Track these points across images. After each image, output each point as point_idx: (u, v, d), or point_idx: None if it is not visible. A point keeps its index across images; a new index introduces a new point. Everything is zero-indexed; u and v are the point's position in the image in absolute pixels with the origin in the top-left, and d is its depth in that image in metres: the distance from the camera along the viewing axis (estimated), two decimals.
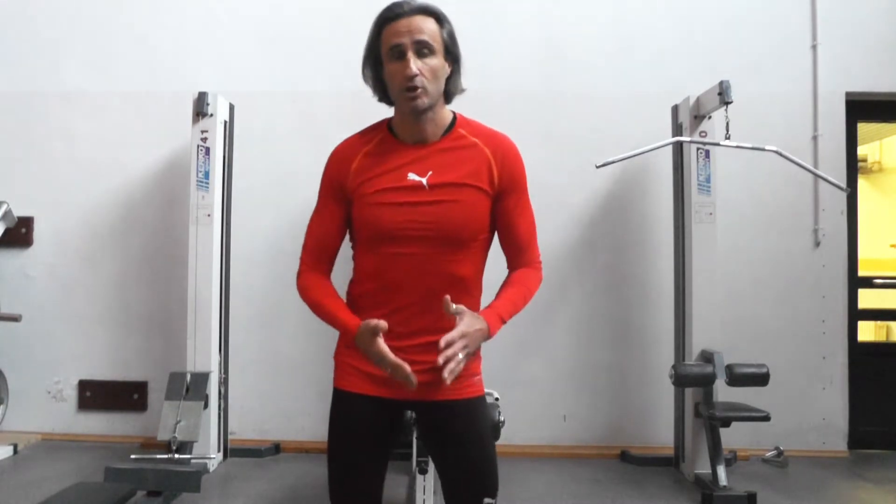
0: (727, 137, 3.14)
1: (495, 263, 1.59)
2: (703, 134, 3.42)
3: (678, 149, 3.56)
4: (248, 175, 3.84)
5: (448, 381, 1.29)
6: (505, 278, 1.57)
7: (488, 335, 1.41)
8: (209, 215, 3.46)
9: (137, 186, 3.98)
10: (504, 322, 1.46)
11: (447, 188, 1.43)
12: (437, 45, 1.42)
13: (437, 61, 1.42)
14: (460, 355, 1.32)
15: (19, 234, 3.94)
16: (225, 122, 3.61)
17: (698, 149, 3.40)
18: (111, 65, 4.02)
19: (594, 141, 3.81)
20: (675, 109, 3.64)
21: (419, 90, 1.39)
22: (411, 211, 1.42)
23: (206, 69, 3.96)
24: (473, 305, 1.48)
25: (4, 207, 3.80)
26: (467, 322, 1.35)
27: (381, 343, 1.34)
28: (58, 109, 4.01)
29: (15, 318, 3.69)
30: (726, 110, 3.15)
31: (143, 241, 3.97)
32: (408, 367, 1.33)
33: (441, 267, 1.44)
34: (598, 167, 3.22)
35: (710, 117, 3.42)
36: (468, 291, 1.49)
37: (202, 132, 3.47)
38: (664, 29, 3.96)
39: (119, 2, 4.04)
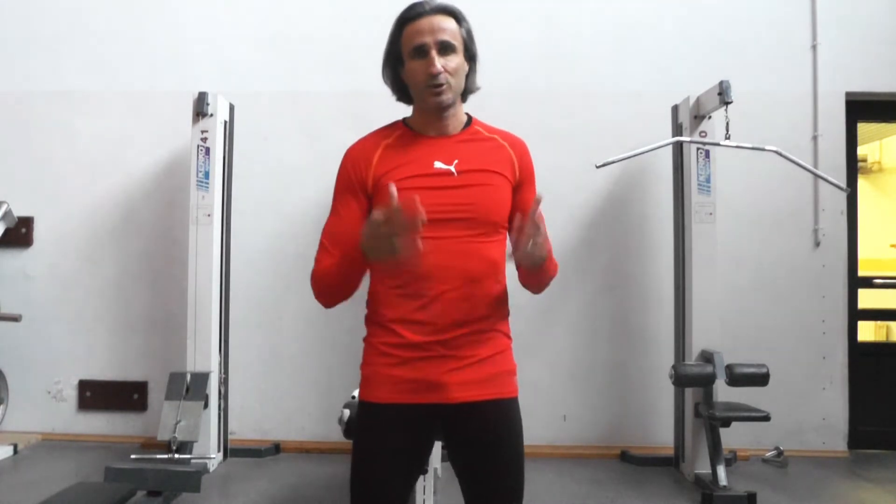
0: (727, 137, 3.15)
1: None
2: (703, 134, 3.42)
3: (678, 149, 3.56)
4: (248, 175, 3.84)
5: (529, 246, 1.28)
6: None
7: (547, 255, 1.38)
8: (209, 215, 3.46)
9: (137, 186, 3.98)
10: (551, 260, 1.44)
11: (476, 173, 1.45)
12: (458, 44, 1.45)
13: (459, 59, 1.45)
14: (539, 239, 1.29)
15: (19, 234, 3.94)
16: (225, 122, 3.61)
17: (698, 149, 3.40)
18: (111, 65, 4.02)
19: (594, 141, 3.81)
20: (675, 109, 3.64)
21: (444, 86, 1.42)
22: (444, 194, 1.42)
23: (206, 69, 3.96)
24: (503, 293, 1.50)
25: (4, 207, 3.80)
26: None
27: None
28: (58, 109, 4.01)
29: (15, 318, 3.69)
30: (726, 110, 3.16)
31: (143, 241, 3.97)
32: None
33: (478, 249, 1.42)
34: (597, 167, 3.22)
35: (710, 117, 3.43)
36: (499, 279, 1.48)
37: (202, 132, 3.47)
38: (664, 28, 3.96)
39: (119, 2, 4.04)
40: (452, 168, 1.44)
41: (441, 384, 1.40)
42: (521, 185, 1.52)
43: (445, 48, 1.42)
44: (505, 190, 1.48)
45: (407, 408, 1.41)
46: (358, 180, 1.47)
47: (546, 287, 1.55)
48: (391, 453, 1.42)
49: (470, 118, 1.55)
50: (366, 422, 1.46)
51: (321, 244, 1.48)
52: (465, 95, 1.53)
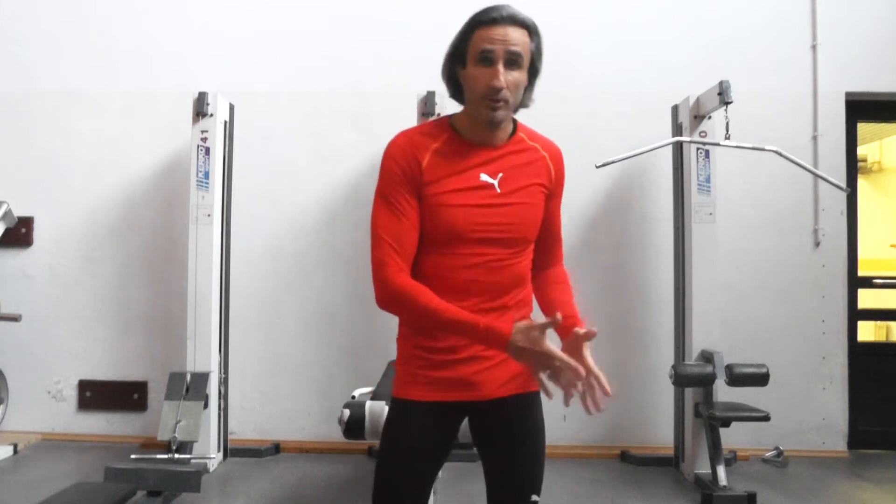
0: (727, 137, 3.15)
1: None
2: (703, 134, 3.42)
3: (678, 149, 3.56)
4: (248, 175, 3.84)
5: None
6: (550, 277, 1.63)
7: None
8: (209, 215, 3.46)
9: (137, 186, 3.98)
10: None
11: (518, 192, 1.47)
12: (525, 59, 1.41)
13: (522, 75, 1.41)
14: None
15: (19, 234, 3.94)
16: (225, 122, 3.61)
17: (698, 149, 3.40)
18: (111, 65, 4.02)
19: (594, 141, 3.80)
20: (675, 109, 3.64)
21: (501, 103, 1.39)
22: (485, 213, 1.43)
23: (206, 69, 3.96)
24: (527, 295, 1.56)
25: (4, 207, 3.80)
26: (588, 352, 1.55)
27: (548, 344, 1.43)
28: (58, 109, 4.01)
29: (15, 318, 3.69)
30: (726, 110, 3.16)
31: (143, 241, 3.97)
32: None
33: (511, 267, 1.47)
34: (597, 167, 3.22)
35: (710, 117, 3.43)
36: (526, 285, 1.55)
37: (202, 132, 3.47)
38: (664, 29, 3.96)
39: (119, 2, 4.05)
40: (496, 183, 1.45)
41: (474, 383, 1.47)
42: (553, 195, 1.56)
43: (512, 62, 1.38)
44: (540, 203, 1.52)
45: (439, 404, 1.48)
46: (410, 177, 1.42)
47: None
48: (422, 448, 1.49)
49: (515, 125, 1.52)
50: (400, 418, 1.52)
51: (384, 242, 1.41)
52: (516, 108, 1.49)
